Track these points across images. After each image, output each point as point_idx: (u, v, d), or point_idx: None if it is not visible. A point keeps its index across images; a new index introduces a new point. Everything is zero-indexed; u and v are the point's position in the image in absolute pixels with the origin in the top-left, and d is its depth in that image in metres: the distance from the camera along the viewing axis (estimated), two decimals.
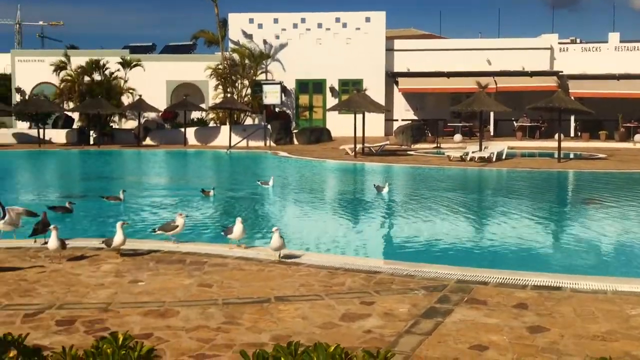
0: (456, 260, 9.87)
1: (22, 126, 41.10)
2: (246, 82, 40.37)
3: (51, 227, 9.16)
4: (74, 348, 2.69)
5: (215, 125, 40.39)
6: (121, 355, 2.55)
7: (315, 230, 13.29)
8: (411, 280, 8.01)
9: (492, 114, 38.31)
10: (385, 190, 17.16)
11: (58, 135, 38.05)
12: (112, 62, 39.11)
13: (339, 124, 38.22)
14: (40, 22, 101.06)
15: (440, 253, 10.88)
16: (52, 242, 8.96)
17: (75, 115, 40.45)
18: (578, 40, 44.43)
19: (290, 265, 8.80)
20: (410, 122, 39.31)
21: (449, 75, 40.10)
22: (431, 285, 7.75)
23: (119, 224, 9.35)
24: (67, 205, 14.06)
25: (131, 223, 12.19)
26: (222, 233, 10.17)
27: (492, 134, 38.51)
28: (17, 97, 42.71)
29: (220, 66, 40.30)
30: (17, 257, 9.29)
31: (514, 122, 39.70)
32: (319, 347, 1.98)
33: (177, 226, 10.04)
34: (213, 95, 40.67)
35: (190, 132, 37.60)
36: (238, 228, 9.77)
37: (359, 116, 29.12)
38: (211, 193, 16.26)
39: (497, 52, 41.28)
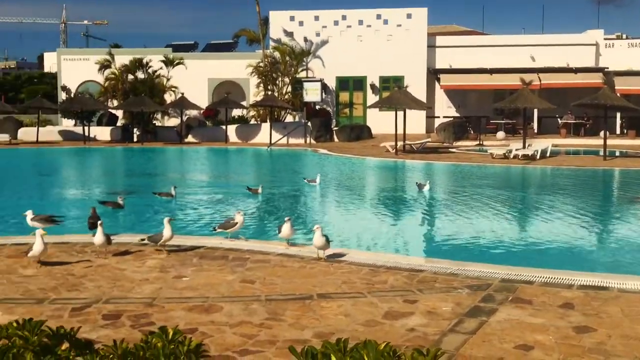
0: (500, 259, 9.76)
1: (68, 124, 41.90)
2: (287, 79, 40.49)
3: (99, 222, 9.31)
4: (124, 342, 2.74)
5: (255, 122, 40.60)
6: (171, 350, 2.57)
7: (356, 228, 13.26)
8: (454, 279, 7.94)
9: (535, 111, 37.74)
10: (427, 188, 17.05)
11: (102, 133, 38.72)
12: (155, 60, 39.60)
13: (380, 121, 38.07)
14: (85, 22, 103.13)
15: (483, 252, 10.76)
16: (98, 237, 9.12)
17: (119, 113, 41.09)
18: (624, 36, 43.45)
19: (332, 262, 8.80)
20: (452, 119, 38.98)
21: (491, 71, 39.62)
22: (475, 284, 7.67)
23: (166, 220, 9.47)
24: (118, 200, 14.20)
25: (178, 219, 12.31)
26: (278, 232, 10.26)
27: (535, 131, 37.94)
28: (62, 95, 43.51)
29: (261, 64, 40.49)
30: (65, 251, 9.48)
31: (558, 120, 39.03)
32: (369, 344, 1.97)
33: (237, 223, 10.16)
34: (254, 92, 40.89)
35: (231, 129, 37.89)
36: (286, 227, 9.84)
37: (400, 113, 28.97)
38: (259, 190, 16.24)
39: (541, 48, 40.61)
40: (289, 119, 40.73)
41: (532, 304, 6.93)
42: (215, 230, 10.41)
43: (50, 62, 69.74)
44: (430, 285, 7.65)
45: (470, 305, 6.90)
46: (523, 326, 6.26)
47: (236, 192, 17.52)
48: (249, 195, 16.41)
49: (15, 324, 2.82)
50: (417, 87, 37.13)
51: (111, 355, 2.49)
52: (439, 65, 41.27)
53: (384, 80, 41.32)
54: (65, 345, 2.70)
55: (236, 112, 41.40)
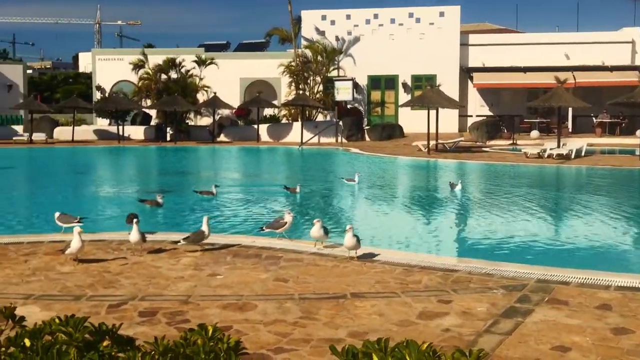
0: (535, 259, 9.65)
1: (102, 123, 42.48)
2: (318, 78, 40.52)
3: (134, 220, 9.42)
4: (164, 339, 2.76)
5: (287, 122, 40.72)
6: (210, 347, 2.59)
7: (389, 227, 13.24)
8: (489, 279, 7.88)
9: (570, 109, 37.23)
10: (458, 187, 16.93)
11: (136, 132, 39.17)
12: (187, 60, 39.94)
13: (412, 120, 37.91)
14: (119, 22, 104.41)
15: (518, 252, 10.65)
16: (134, 235, 9.23)
17: (153, 113, 41.54)
18: None
19: (365, 262, 8.79)
20: (485, 118, 38.64)
21: (525, 70, 39.20)
22: (510, 285, 7.60)
23: (205, 218, 9.55)
24: (157, 198, 14.27)
25: (216, 217, 12.36)
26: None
27: (570, 130, 37.43)
28: (97, 95, 44.11)
29: (292, 63, 40.59)
30: (100, 249, 9.61)
31: (593, 119, 38.45)
32: (410, 344, 1.97)
33: (286, 223, 10.22)
34: (285, 92, 41.02)
35: (262, 128, 38.06)
36: (315, 229, 9.88)
37: (433, 112, 28.81)
38: (297, 190, 16.22)
39: (576, 46, 40.06)
40: (320, 118, 40.76)
41: (568, 305, 6.85)
42: (263, 230, 10.42)
43: (85, 62, 70.77)
44: (465, 286, 7.59)
45: (506, 305, 6.83)
46: (560, 327, 6.19)
47: (274, 191, 17.55)
48: (287, 195, 16.39)
49: (58, 321, 2.87)
50: (449, 86, 36.88)
51: (153, 352, 2.52)
52: (472, 63, 40.94)
53: (416, 79, 41.12)
54: (107, 342, 2.74)
55: (268, 112, 41.57)
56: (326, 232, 9.41)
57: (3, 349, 2.71)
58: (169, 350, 2.57)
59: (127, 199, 16.86)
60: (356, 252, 8.95)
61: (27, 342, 2.70)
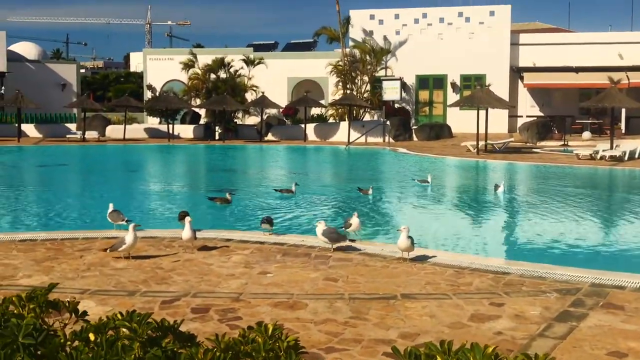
0: (588, 263, 9.47)
1: (153, 121, 43.17)
2: (366, 78, 40.43)
3: (186, 218, 9.55)
4: (225, 336, 2.79)
5: (334, 121, 40.73)
6: (270, 345, 2.61)
7: (439, 228, 13.14)
8: (542, 282, 7.76)
9: (623, 110, 36.34)
10: (500, 190, 16.66)
11: (186, 131, 39.70)
12: (236, 60, 40.28)
13: (460, 120, 37.55)
14: (169, 22, 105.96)
15: (571, 255, 10.46)
16: (186, 232, 9.36)
17: (202, 112, 42.02)
18: None
19: (415, 262, 8.74)
20: (535, 118, 38.01)
21: (577, 70, 38.41)
22: (564, 288, 7.47)
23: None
24: (226, 196, 14.50)
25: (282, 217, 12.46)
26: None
27: (623, 131, 36.55)
28: (148, 94, 44.81)
29: (340, 63, 40.60)
30: (152, 246, 9.78)
31: None
32: (475, 347, 1.95)
33: (350, 225, 10.37)
34: (333, 91, 41.05)
35: (310, 128, 38.16)
36: (354, 222, 9.93)
37: (482, 112, 28.49)
38: (370, 192, 16.12)
39: (630, 45, 39.08)
40: (367, 117, 40.65)
41: (624, 310, 6.70)
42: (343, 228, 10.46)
43: (136, 61, 71.99)
44: (517, 288, 7.49)
45: (560, 309, 6.72)
46: (615, 332, 6.05)
47: (348, 192, 17.58)
48: (360, 196, 16.25)
49: (120, 316, 2.92)
50: (499, 86, 36.38)
51: (215, 349, 2.55)
52: (523, 63, 40.31)
53: (465, 78, 40.70)
54: (168, 338, 2.78)
55: (315, 111, 41.66)
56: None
57: (69, 342, 2.78)
58: (230, 347, 2.60)
59: (178, 196, 17.13)
60: (408, 254, 8.89)
61: (92, 337, 2.76)
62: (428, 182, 18.20)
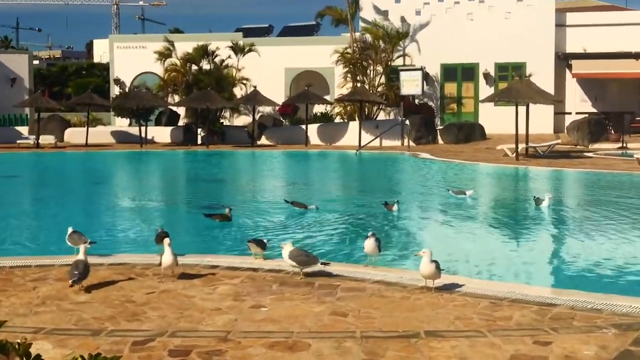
0: None
1: (122, 123, 43.37)
2: (380, 68, 40.58)
3: (165, 241, 9.55)
4: None
5: (342, 121, 40.83)
6: None
7: (469, 251, 13.12)
8: (597, 315, 7.73)
9: None
10: (545, 203, 16.64)
11: (161, 134, 39.87)
12: (222, 47, 40.49)
13: (495, 119, 37.58)
14: (141, 2, 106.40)
15: (633, 283, 10.42)
16: (167, 257, 9.35)
17: (181, 111, 42.20)
18: None
19: (442, 292, 8.72)
20: (587, 115, 38.04)
21: (637, 56, 38.47)
22: (624, 323, 7.44)
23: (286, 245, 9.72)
24: (226, 212, 14.72)
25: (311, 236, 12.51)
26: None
27: None
28: (115, 90, 45.10)
29: (349, 50, 40.75)
30: (121, 274, 9.77)
31: None
32: None
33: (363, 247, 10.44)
34: (339, 84, 41.18)
35: (312, 129, 38.28)
36: (368, 243, 9.92)
37: (522, 109, 28.53)
38: (394, 208, 16.15)
39: None
40: (382, 116, 40.77)
41: None
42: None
43: (100, 50, 72.41)
44: (567, 323, 7.47)
45: (619, 348, 6.70)
46: None
47: (362, 207, 17.66)
48: (385, 213, 16.21)
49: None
50: (542, 76, 36.46)
51: None
52: (571, 49, 40.40)
53: (501, 67, 40.79)
54: None
55: (318, 109, 41.81)
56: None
57: None
58: None
59: (154, 214, 17.15)
60: (433, 282, 8.87)
61: None
62: (465, 195, 18.42)
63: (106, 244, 12.40)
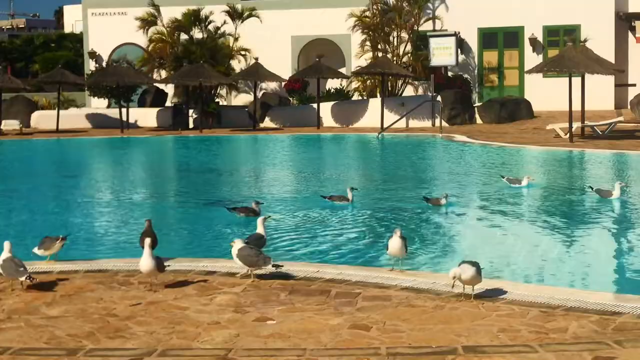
0: None
1: (99, 104, 43.44)
2: (405, 34, 40.45)
3: (146, 241, 9.54)
4: None
5: (360, 98, 40.76)
6: None
7: (516, 251, 13.10)
8: None
9: None
10: (616, 194, 16.56)
11: (146, 116, 39.91)
12: (217, 12, 40.42)
13: (544, 93, 37.45)
14: None
15: None
16: (145, 262, 9.36)
17: (169, 89, 42.21)
18: None
19: (483, 300, 8.71)
20: None
21: None
22: None
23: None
24: (253, 206, 15.05)
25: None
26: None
27: None
28: (90, 65, 45.15)
29: (367, 13, 40.64)
30: (102, 283, 9.80)
31: None
32: None
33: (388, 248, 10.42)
34: (357, 54, 41.10)
35: (325, 108, 38.21)
36: (393, 243, 9.95)
37: (576, 80, 28.37)
38: (442, 202, 16.21)
39: None
40: (408, 92, 40.67)
41: None
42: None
43: (72, 18, 72.39)
44: (634, 335, 7.46)
45: None
46: None
47: (410, 201, 17.63)
48: (428, 207, 16.32)
49: None
50: (601, 42, 36.26)
51: None
52: (634, 8, 40.15)
53: (551, 32, 40.63)
54: None
55: (332, 84, 41.69)
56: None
57: None
58: None
59: (138, 212, 17.17)
60: (473, 288, 8.85)
61: None
62: (520, 184, 18.51)
63: (83, 247, 12.45)
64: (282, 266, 10.12)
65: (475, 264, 8.76)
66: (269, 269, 9.92)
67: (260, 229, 11.01)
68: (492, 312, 8.30)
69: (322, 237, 13.94)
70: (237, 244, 9.90)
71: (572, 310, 8.27)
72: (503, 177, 19.26)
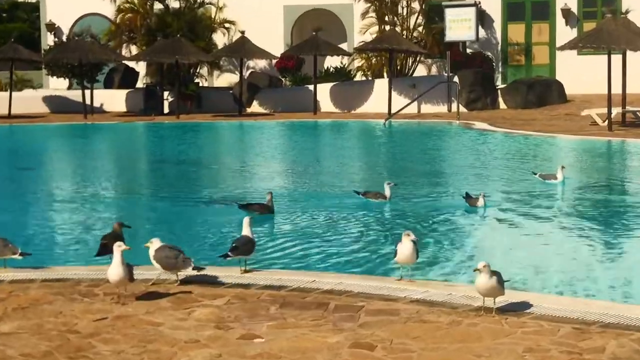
0: None
1: (58, 85, 43.34)
2: (416, 4, 40.42)
3: (117, 245, 9.54)
4: None
5: (364, 79, 40.73)
6: None
7: (544, 259, 13.11)
8: None
9: None
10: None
11: (114, 99, 39.90)
12: None
13: (579, 73, 37.43)
14: None
15: None
16: (115, 269, 9.34)
17: (141, 67, 42.14)
18: None
19: (507, 315, 8.71)
20: None
21: None
22: None
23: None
24: (267, 201, 15.62)
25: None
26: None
27: None
28: (49, 39, 45.05)
29: None
30: (61, 294, 9.78)
31: None
32: None
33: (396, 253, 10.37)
34: (361, 28, 41.05)
35: (323, 91, 38.17)
36: (404, 248, 9.93)
37: (617, 58, 28.36)
38: (480, 202, 16.33)
39: None
40: (420, 71, 40.67)
41: None
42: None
43: None
44: None
45: None
46: None
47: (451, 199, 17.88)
48: (467, 208, 16.45)
49: None
50: None
51: None
52: None
53: (587, 1, 40.57)
54: None
55: (331, 62, 41.65)
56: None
57: None
58: None
59: (104, 211, 17.18)
60: (494, 301, 8.86)
61: None
62: (556, 180, 18.60)
63: (39, 253, 12.42)
64: (204, 269, 10.28)
65: (496, 274, 8.75)
66: (189, 272, 10.02)
67: (246, 231, 10.95)
68: (517, 329, 8.29)
69: (326, 242, 14.04)
70: (155, 244, 9.95)
71: (610, 327, 8.26)
72: (535, 174, 19.34)
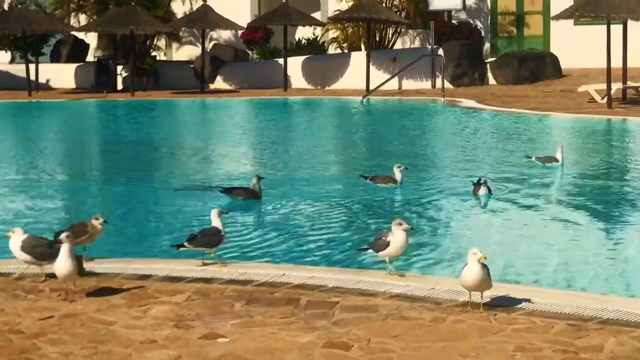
0: None
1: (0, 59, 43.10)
2: None
3: (62, 235, 9.51)
4: None
5: (339, 52, 40.73)
6: None
7: (536, 249, 13.18)
8: None
9: None
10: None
11: (61, 74, 39.75)
12: None
13: (575, 46, 37.59)
14: None
15: None
16: (62, 262, 9.30)
17: (91, 39, 41.97)
18: None
19: (495, 311, 8.75)
20: None
21: None
22: None
23: None
24: (252, 185, 15.67)
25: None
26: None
27: None
28: None
29: None
30: (2, 290, 9.74)
31: None
32: None
33: (387, 244, 10.27)
34: None
35: (294, 65, 38.15)
36: (398, 239, 9.89)
37: (617, 29, 28.43)
38: (481, 191, 16.35)
39: None
40: (401, 44, 40.69)
41: None
42: (365, 251, 10.86)
43: None
44: None
45: None
46: None
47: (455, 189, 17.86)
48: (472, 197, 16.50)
49: None
50: None
51: None
52: None
53: None
54: None
55: (303, 33, 41.63)
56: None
57: None
58: None
59: (50, 198, 17.13)
60: (482, 295, 8.89)
61: None
62: (557, 162, 18.79)
63: None
64: (92, 259, 10.37)
65: (484, 267, 8.76)
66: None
67: (216, 222, 10.90)
68: (506, 326, 8.32)
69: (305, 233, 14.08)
70: (17, 235, 9.91)
71: (608, 324, 8.31)
72: (529, 157, 19.46)
